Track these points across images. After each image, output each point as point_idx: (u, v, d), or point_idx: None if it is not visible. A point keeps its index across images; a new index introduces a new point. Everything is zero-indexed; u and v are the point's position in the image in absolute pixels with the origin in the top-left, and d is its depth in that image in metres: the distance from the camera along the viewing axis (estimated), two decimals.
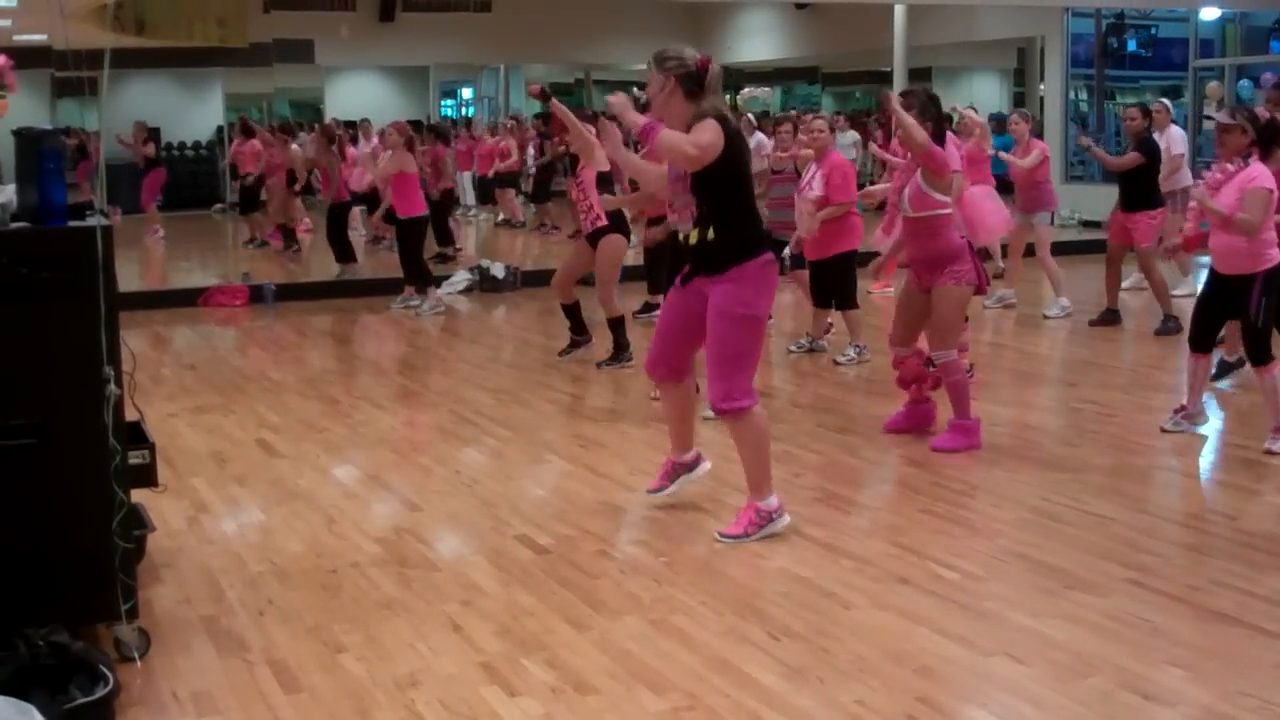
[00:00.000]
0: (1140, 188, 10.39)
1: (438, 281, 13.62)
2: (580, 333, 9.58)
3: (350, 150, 16.46)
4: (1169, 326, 10.20)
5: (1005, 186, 11.72)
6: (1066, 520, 5.64)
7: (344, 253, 14.31)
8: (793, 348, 9.60)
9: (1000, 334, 10.71)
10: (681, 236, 5.46)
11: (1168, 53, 20.74)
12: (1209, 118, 6.97)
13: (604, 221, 9.09)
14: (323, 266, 14.53)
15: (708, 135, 5.12)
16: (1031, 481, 6.26)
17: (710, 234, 5.28)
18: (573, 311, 9.52)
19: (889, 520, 5.70)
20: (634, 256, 11.87)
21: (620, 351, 9.31)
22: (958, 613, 4.60)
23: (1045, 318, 11.16)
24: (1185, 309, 10.66)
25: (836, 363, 9.19)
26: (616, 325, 9.32)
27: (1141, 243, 10.41)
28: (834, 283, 9.25)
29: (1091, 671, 4.08)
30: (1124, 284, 11.22)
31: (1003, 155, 11.51)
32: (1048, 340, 10.66)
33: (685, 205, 5.37)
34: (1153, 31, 21.02)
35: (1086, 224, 17.69)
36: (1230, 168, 6.70)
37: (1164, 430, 7.05)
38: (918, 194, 6.76)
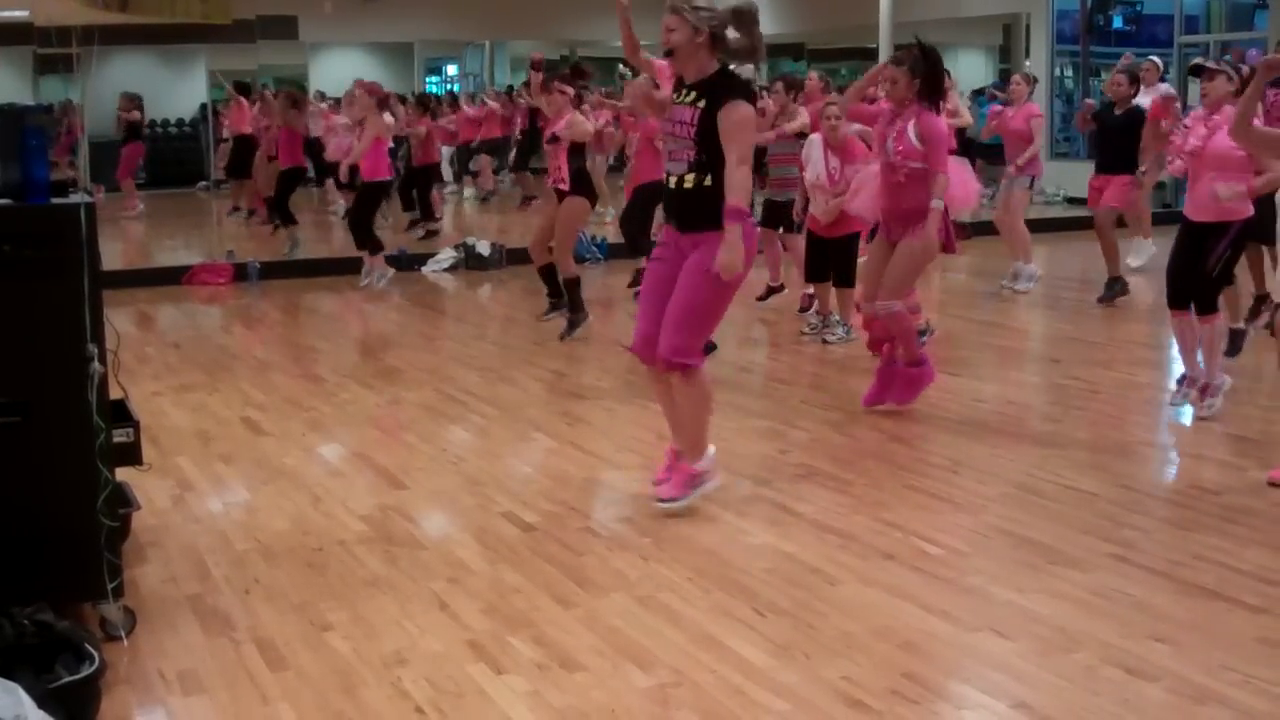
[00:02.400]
0: (1121, 151, 10.43)
1: (423, 260, 13.64)
2: (557, 295, 9.63)
3: (333, 118, 16.41)
4: (1114, 290, 10.36)
5: (992, 153, 11.76)
6: (1050, 496, 5.66)
7: (287, 217, 14.32)
8: (806, 331, 9.50)
9: (984, 310, 10.71)
10: (673, 180, 5.32)
11: (1153, 29, 20.74)
12: (1196, 66, 6.99)
13: (566, 185, 9.22)
14: (306, 244, 14.48)
15: (746, 137, 5.20)
16: (1015, 457, 6.28)
17: (707, 181, 5.19)
18: (548, 274, 9.58)
19: (874, 496, 5.72)
20: (614, 234, 11.91)
21: (576, 314, 9.43)
22: (942, 588, 4.61)
23: (1003, 286, 11.21)
24: (1140, 279, 10.78)
25: (825, 341, 9.19)
26: (571, 287, 9.43)
27: (1109, 202, 10.47)
28: (835, 260, 9.26)
29: (1075, 646, 4.10)
30: (1132, 263, 11.25)
31: (999, 109, 11.62)
32: (1032, 316, 10.68)
33: (684, 148, 5.25)
34: (1138, 8, 21.00)
35: (1072, 200, 17.70)
36: (1217, 118, 6.68)
37: (1200, 418, 6.90)
38: (909, 145, 6.75)
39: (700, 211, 5.25)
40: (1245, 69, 7.08)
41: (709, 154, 5.20)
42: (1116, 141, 10.41)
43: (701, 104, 5.22)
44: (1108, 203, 10.50)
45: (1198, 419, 6.82)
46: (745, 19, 5.30)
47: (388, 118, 12.67)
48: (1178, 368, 7.97)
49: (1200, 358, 6.94)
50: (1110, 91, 10.78)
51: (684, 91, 5.34)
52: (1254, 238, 7.54)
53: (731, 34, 5.27)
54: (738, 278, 5.31)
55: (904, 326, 6.96)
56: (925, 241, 6.77)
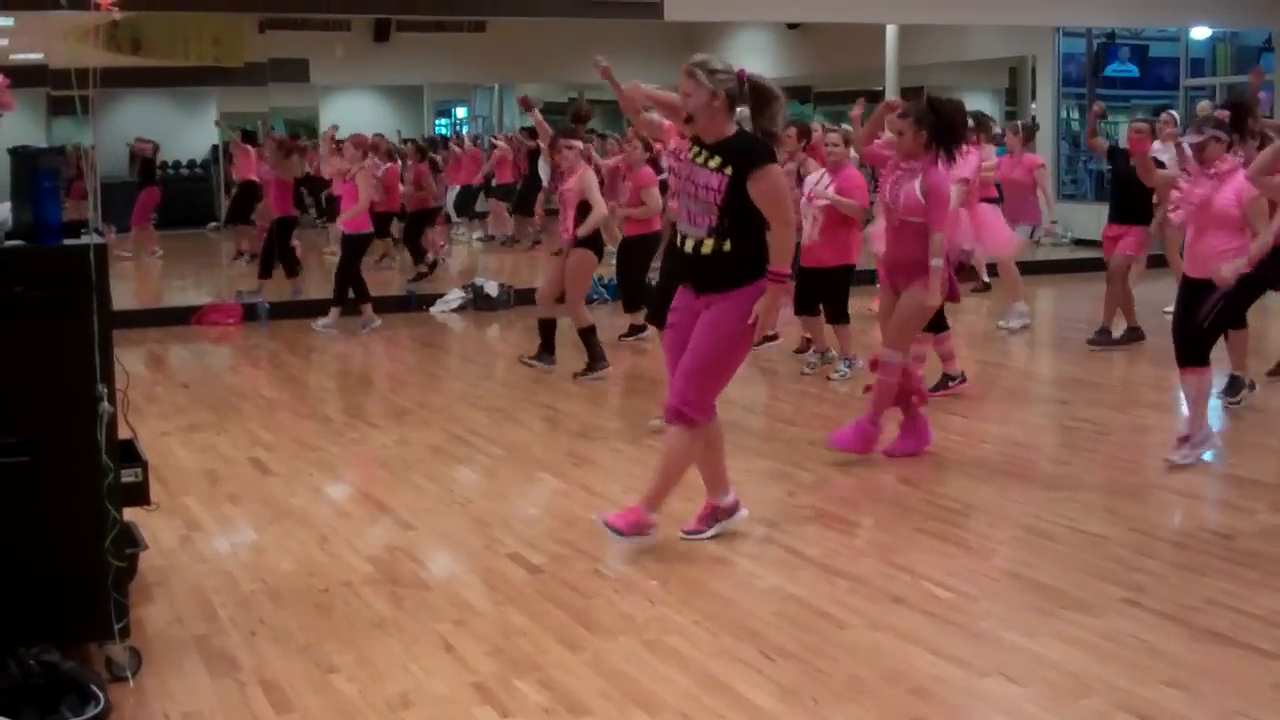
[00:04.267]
0: (1134, 201, 10.39)
1: (431, 300, 13.67)
2: (548, 351, 9.64)
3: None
4: (1127, 336, 10.38)
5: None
6: (1061, 539, 5.63)
7: (291, 266, 14.30)
8: (806, 370, 9.53)
9: (991, 351, 10.70)
10: (689, 244, 5.35)
11: (1159, 71, 20.81)
12: (1181, 146, 7.13)
13: (573, 242, 9.38)
14: (317, 285, 14.51)
15: (784, 200, 5.31)
16: (1025, 500, 6.26)
17: (727, 246, 5.24)
18: (548, 329, 9.59)
19: (883, 539, 5.70)
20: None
21: (595, 362, 9.48)
22: (952, 633, 4.59)
23: (999, 327, 11.19)
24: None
25: (829, 379, 9.20)
26: (588, 335, 9.50)
27: (1124, 250, 10.42)
28: (827, 295, 9.27)
29: (1087, 692, 4.07)
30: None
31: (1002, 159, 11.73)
32: (1039, 357, 10.67)
33: (705, 213, 5.29)
34: (1135, 62, 21.00)
35: (1079, 242, 17.73)
36: (1223, 166, 6.69)
37: (1171, 463, 6.74)
38: (913, 199, 6.77)
39: (719, 275, 5.30)
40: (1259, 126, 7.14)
41: (733, 220, 5.23)
42: (1130, 192, 10.35)
43: (729, 171, 5.24)
44: (1123, 250, 10.44)
45: (1169, 463, 6.73)
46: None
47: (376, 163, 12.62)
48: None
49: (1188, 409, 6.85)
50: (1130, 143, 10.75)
51: (702, 152, 5.36)
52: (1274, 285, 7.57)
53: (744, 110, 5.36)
54: (749, 340, 5.40)
55: (888, 382, 6.85)
56: (928, 295, 6.76)
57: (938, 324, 8.11)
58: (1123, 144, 10.53)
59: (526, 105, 9.95)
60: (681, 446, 5.43)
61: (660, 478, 5.50)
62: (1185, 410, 6.95)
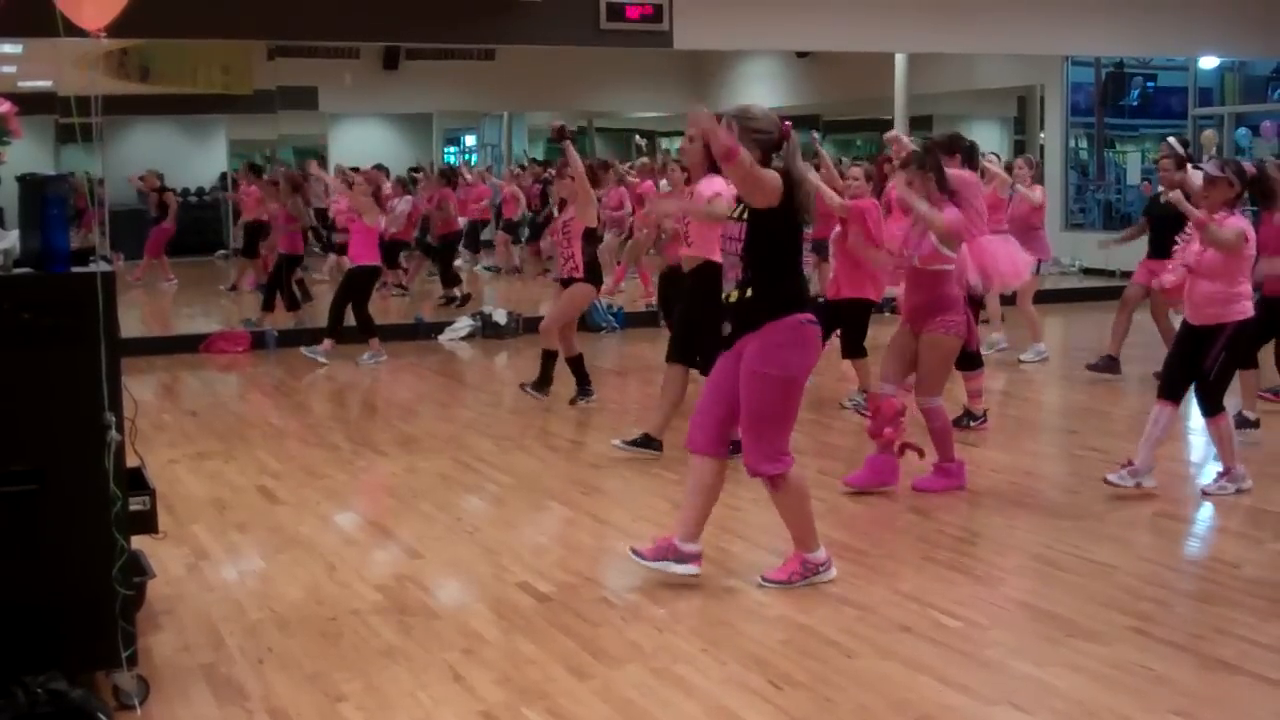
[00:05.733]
0: (1169, 236, 10.34)
1: (439, 328, 13.69)
2: (585, 383, 9.61)
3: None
4: (1104, 363, 10.40)
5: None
6: (1069, 568, 5.62)
7: (292, 300, 14.33)
8: (846, 404, 9.43)
9: (1000, 381, 10.69)
10: (724, 296, 5.35)
11: (1167, 101, 20.87)
12: (1199, 168, 7.08)
13: (580, 274, 9.36)
14: (321, 315, 14.52)
15: (770, 176, 5.11)
16: (1033, 529, 6.24)
17: (749, 292, 5.22)
18: (576, 364, 9.58)
19: (891, 568, 5.69)
20: (630, 303, 11.96)
21: (543, 385, 9.52)
22: (960, 661, 4.58)
23: (1020, 362, 11.17)
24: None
25: (843, 406, 9.22)
26: (548, 358, 9.51)
27: (1161, 288, 10.42)
28: (845, 328, 9.26)
29: None
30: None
31: (1020, 189, 11.67)
32: (1047, 387, 10.66)
33: (732, 266, 5.29)
34: (1149, 86, 21.07)
35: (1088, 271, 17.74)
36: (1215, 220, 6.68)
37: (1107, 481, 6.74)
38: (930, 250, 6.86)
39: (751, 314, 5.24)
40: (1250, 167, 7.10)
41: (754, 266, 5.21)
42: (1163, 227, 10.30)
43: (746, 215, 5.24)
44: (1159, 288, 10.39)
45: (1204, 493, 6.80)
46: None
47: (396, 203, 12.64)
48: (1195, 438, 7.97)
49: (1149, 443, 6.81)
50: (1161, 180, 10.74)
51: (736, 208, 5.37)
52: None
53: (794, 138, 5.29)
54: (797, 375, 5.25)
55: (938, 426, 6.93)
56: (949, 333, 6.83)
57: (972, 361, 8.40)
58: (1131, 180, 10.50)
59: (561, 135, 9.93)
60: (785, 498, 5.37)
61: (793, 526, 5.42)
62: (1172, 444, 6.98)
